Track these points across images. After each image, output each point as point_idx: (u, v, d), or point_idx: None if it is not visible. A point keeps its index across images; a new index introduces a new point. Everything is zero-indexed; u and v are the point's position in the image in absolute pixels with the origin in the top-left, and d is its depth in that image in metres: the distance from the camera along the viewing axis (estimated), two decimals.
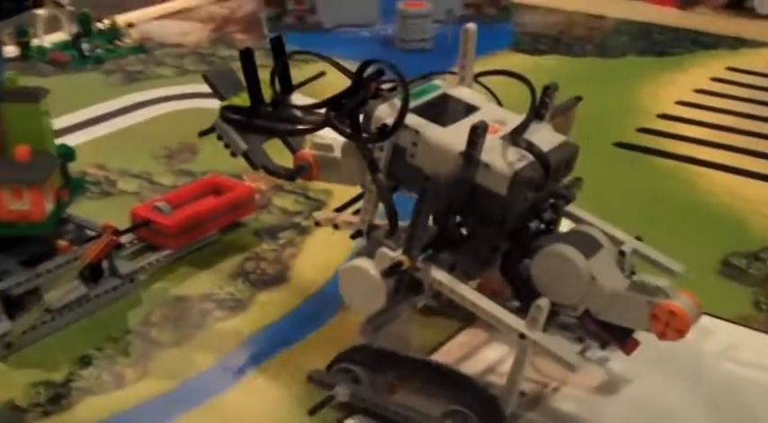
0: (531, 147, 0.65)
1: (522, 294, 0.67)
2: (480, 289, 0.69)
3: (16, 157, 0.78)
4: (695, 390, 0.75)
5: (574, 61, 1.50)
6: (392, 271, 0.64)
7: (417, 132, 0.67)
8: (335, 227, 0.80)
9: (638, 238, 0.71)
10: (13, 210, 0.78)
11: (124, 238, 0.89)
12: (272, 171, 0.78)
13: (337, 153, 0.76)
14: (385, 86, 0.73)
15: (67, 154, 0.85)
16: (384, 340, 0.70)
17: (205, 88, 1.38)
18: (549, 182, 0.66)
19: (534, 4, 1.82)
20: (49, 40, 1.57)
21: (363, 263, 0.65)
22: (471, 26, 0.73)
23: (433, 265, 0.66)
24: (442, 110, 0.71)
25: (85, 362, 0.78)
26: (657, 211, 1.03)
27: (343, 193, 1.03)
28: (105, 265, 0.85)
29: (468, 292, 0.66)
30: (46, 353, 0.79)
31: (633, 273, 0.68)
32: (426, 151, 0.67)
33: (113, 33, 1.58)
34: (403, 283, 0.65)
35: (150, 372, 0.77)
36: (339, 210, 0.82)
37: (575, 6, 1.81)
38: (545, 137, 0.68)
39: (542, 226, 0.68)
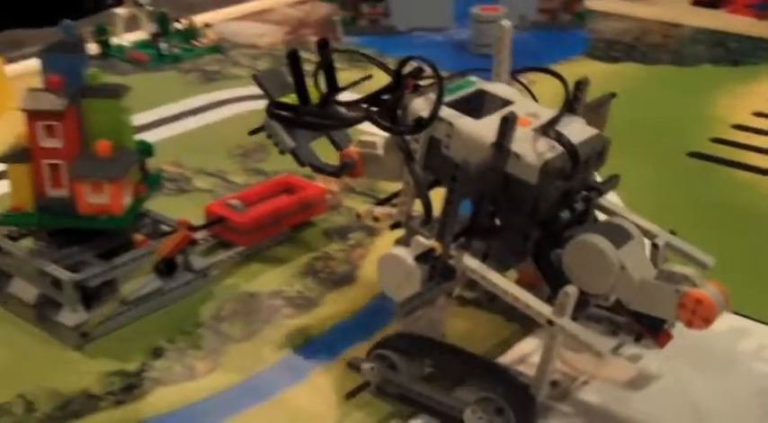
0: (560, 137, 0.68)
1: (553, 283, 0.69)
2: (518, 282, 0.71)
3: (97, 152, 0.80)
4: (727, 389, 0.75)
5: (648, 69, 1.49)
6: (425, 257, 0.66)
7: (451, 124, 0.70)
8: (375, 219, 0.83)
9: (672, 232, 0.73)
10: (93, 203, 0.80)
11: (198, 235, 0.91)
12: (318, 167, 0.80)
13: (381, 150, 0.78)
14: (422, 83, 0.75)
15: (146, 150, 0.87)
16: (419, 327, 0.73)
17: None
18: (577, 172, 0.68)
19: (609, 11, 1.81)
20: (128, 38, 1.61)
21: (399, 250, 0.68)
22: (506, 23, 0.76)
23: (466, 252, 0.68)
24: (477, 104, 0.73)
25: (158, 353, 0.80)
26: (730, 221, 1.02)
27: None
28: (180, 259, 0.87)
29: (498, 279, 0.68)
30: (120, 343, 0.81)
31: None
32: (460, 142, 0.70)
33: (191, 33, 1.61)
34: (436, 269, 0.67)
35: (220, 365, 0.78)
36: (381, 203, 0.84)
37: (650, 14, 1.79)
38: (576, 129, 0.70)
39: (574, 217, 0.70)
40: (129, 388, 0.76)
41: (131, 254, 0.84)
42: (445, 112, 0.70)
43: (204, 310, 0.86)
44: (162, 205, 0.94)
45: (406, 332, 0.73)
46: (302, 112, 0.77)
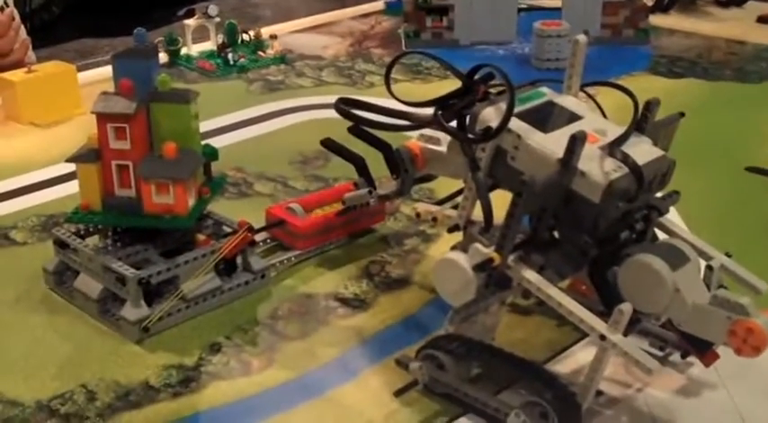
0: (626, 158, 0.68)
1: (607, 300, 0.69)
2: (570, 288, 0.72)
3: (164, 154, 0.83)
4: None
5: (710, 85, 1.48)
6: (483, 266, 0.67)
7: (519, 136, 0.70)
8: (434, 220, 0.84)
9: (728, 255, 0.73)
10: (158, 203, 0.83)
11: (258, 237, 0.93)
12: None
13: (444, 147, 0.79)
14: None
15: (212, 154, 0.90)
16: (470, 330, 0.74)
17: None
18: (641, 194, 0.68)
19: (673, 28, 1.80)
20: (196, 49, 1.65)
21: (457, 256, 0.69)
22: (582, 37, 0.76)
23: (524, 264, 0.69)
24: (546, 117, 0.74)
25: (215, 349, 0.82)
26: None
27: None
28: (239, 260, 0.90)
29: (554, 292, 0.68)
30: (179, 338, 0.84)
31: (722, 286, 0.69)
32: (526, 155, 0.70)
33: (257, 44, 1.65)
34: (492, 278, 0.68)
35: (275, 362, 0.80)
36: (439, 203, 0.86)
37: (715, 31, 1.78)
38: (642, 150, 0.70)
39: (633, 235, 0.70)
40: (187, 381, 0.78)
41: (193, 253, 0.86)
42: (514, 123, 0.71)
43: (261, 309, 0.88)
44: (224, 208, 0.97)
45: (457, 334, 0.74)
46: (369, 109, 0.78)
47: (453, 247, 0.73)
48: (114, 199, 0.85)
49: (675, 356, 0.78)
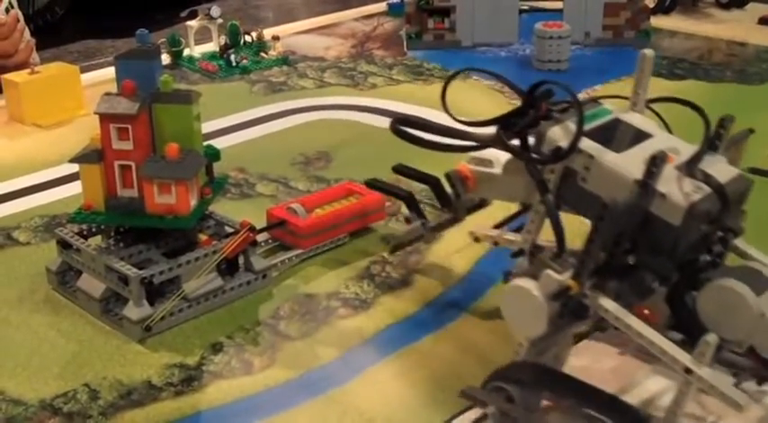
0: (708, 179, 0.65)
1: (686, 326, 0.66)
2: (633, 314, 0.67)
3: (166, 155, 0.83)
4: None
5: (712, 87, 1.49)
6: (560, 295, 0.63)
7: (591, 157, 0.67)
8: (495, 244, 0.82)
9: None
10: (161, 203, 0.83)
11: (259, 237, 0.94)
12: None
13: (497, 169, 0.77)
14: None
15: (214, 154, 0.90)
16: (539, 359, 0.69)
17: (343, 100, 1.45)
18: (725, 215, 0.65)
19: (674, 29, 1.81)
20: (198, 50, 1.66)
21: (528, 284, 0.65)
22: (649, 52, 0.73)
23: (601, 292, 0.65)
24: (614, 135, 0.70)
25: (217, 348, 0.83)
26: None
27: None
28: (241, 260, 0.90)
29: (634, 322, 0.64)
30: (181, 338, 0.84)
31: None
32: (600, 176, 0.67)
33: (260, 45, 1.65)
34: (568, 307, 0.64)
35: (276, 361, 0.81)
36: (498, 226, 0.83)
37: (716, 32, 1.79)
38: (720, 169, 0.67)
39: (711, 259, 0.67)
40: (189, 380, 0.79)
41: (195, 253, 0.86)
42: (585, 143, 0.67)
43: (263, 309, 0.89)
44: (226, 208, 0.97)
45: (524, 363, 0.69)
46: (426, 129, 0.75)
47: (515, 274, 0.68)
48: (117, 199, 0.85)
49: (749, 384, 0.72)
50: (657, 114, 0.76)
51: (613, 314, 0.65)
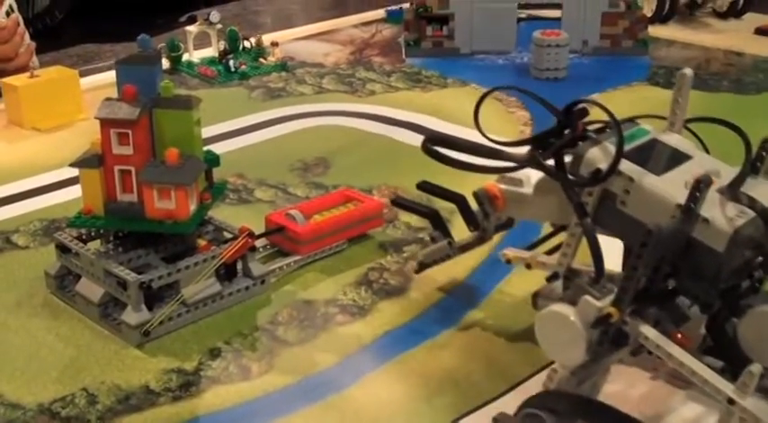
0: (753, 203, 0.63)
1: (726, 354, 0.65)
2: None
3: (166, 160, 0.83)
4: None
5: (708, 96, 1.49)
6: (600, 322, 0.62)
7: (632, 180, 0.66)
8: (528, 266, 0.80)
9: None
10: (160, 208, 0.84)
11: (258, 243, 0.94)
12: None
13: (527, 188, 0.76)
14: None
15: (213, 160, 0.90)
16: (575, 387, 0.68)
17: (341, 107, 1.45)
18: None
19: (671, 39, 1.81)
20: (197, 55, 1.66)
21: (566, 310, 0.64)
22: (688, 71, 0.71)
23: (641, 319, 0.64)
24: (653, 156, 0.69)
25: (215, 354, 0.83)
26: None
27: None
28: (239, 266, 0.91)
29: (675, 351, 0.63)
30: (179, 343, 0.85)
31: None
32: (640, 200, 0.66)
33: (258, 51, 1.66)
34: (609, 335, 0.64)
35: (275, 367, 0.81)
36: (531, 248, 0.83)
37: (713, 42, 1.79)
38: (763, 192, 0.65)
39: (753, 284, 0.66)
40: (187, 385, 0.79)
41: (194, 258, 0.87)
42: (625, 165, 0.66)
43: (261, 314, 0.89)
44: (224, 214, 0.98)
45: (558, 390, 0.67)
46: (458, 148, 0.74)
47: (539, 294, 0.69)
48: (116, 204, 0.85)
49: None
50: (695, 135, 0.75)
51: (654, 342, 0.64)
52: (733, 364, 0.63)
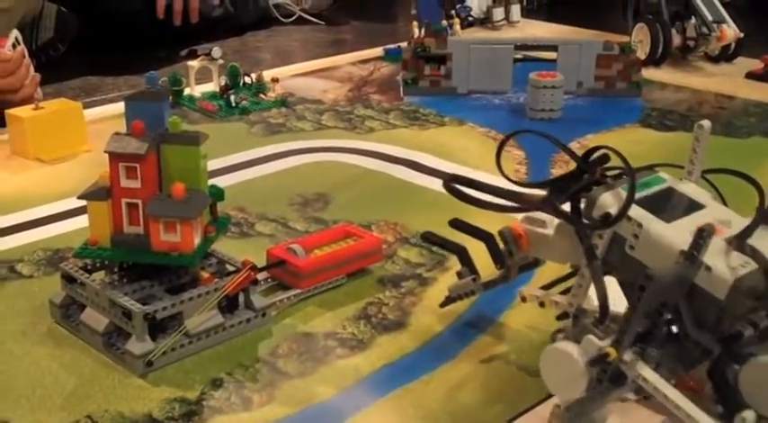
0: (755, 254, 0.65)
1: (726, 401, 0.67)
2: (678, 383, 0.69)
3: (173, 194, 0.86)
4: None
5: None
6: (598, 361, 0.65)
7: (640, 225, 0.68)
8: (542, 305, 0.83)
9: None
10: (166, 241, 0.86)
11: (259, 276, 0.96)
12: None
13: (549, 229, 0.78)
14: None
15: (218, 194, 0.92)
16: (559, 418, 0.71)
17: (340, 143, 1.48)
18: None
19: (664, 81, 1.85)
20: (199, 89, 1.69)
21: (569, 347, 0.67)
22: (706, 123, 0.74)
23: (641, 360, 0.66)
24: (666, 204, 0.71)
25: (217, 384, 0.85)
26: None
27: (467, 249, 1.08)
28: (241, 298, 0.92)
29: (673, 394, 0.65)
30: (182, 373, 0.86)
31: None
32: (647, 245, 0.68)
33: (259, 87, 1.68)
34: (607, 374, 0.66)
35: (275, 398, 0.83)
36: (546, 287, 0.85)
37: (705, 86, 1.83)
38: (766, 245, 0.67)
39: (756, 333, 0.66)
40: (190, 414, 0.80)
41: (197, 290, 0.89)
42: (635, 210, 0.68)
43: (262, 346, 0.91)
44: (225, 247, 0.99)
45: None
46: (481, 189, 0.75)
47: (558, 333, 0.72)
48: (123, 236, 0.88)
49: None
50: (713, 185, 0.77)
51: (653, 384, 0.65)
52: (732, 412, 0.64)
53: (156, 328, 0.87)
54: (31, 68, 1.56)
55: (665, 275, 0.64)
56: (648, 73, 1.83)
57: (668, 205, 0.71)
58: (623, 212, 0.68)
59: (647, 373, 0.66)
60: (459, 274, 0.91)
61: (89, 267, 0.93)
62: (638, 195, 0.69)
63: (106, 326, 0.89)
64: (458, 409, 0.81)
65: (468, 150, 1.41)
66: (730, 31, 1.87)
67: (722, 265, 0.64)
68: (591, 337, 0.66)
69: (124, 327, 0.87)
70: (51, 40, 1.91)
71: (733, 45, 1.92)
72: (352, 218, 1.16)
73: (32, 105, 1.40)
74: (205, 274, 0.93)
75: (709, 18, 1.88)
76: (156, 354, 0.86)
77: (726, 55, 1.95)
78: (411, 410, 0.81)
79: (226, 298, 0.90)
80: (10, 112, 1.40)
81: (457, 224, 0.90)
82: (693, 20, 1.91)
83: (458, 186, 0.75)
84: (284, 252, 1.00)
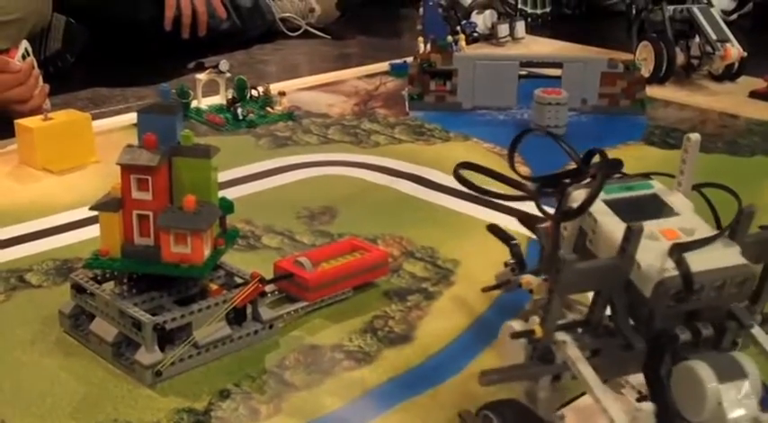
0: (679, 261, 0.66)
1: (655, 398, 0.68)
2: None
3: (183, 206, 0.87)
4: None
5: (702, 157, 1.52)
6: (521, 334, 0.69)
7: (596, 221, 0.71)
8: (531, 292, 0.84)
9: None
10: (176, 252, 0.87)
11: (266, 288, 0.97)
12: None
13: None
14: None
15: (228, 207, 0.94)
16: (528, 401, 0.74)
17: (346, 157, 1.49)
18: (691, 298, 0.67)
19: (668, 99, 1.86)
20: (206, 102, 1.70)
21: (514, 323, 0.71)
22: (694, 136, 0.75)
23: (573, 343, 0.69)
24: (640, 208, 0.73)
25: (225, 395, 0.85)
26: None
27: (472, 264, 1.10)
28: (249, 310, 0.93)
29: (588, 374, 0.67)
30: (190, 384, 0.87)
31: None
32: (600, 240, 0.71)
33: (266, 100, 1.70)
34: (537, 351, 0.69)
35: (282, 409, 0.84)
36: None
37: (709, 104, 1.84)
38: (718, 255, 0.68)
39: (696, 339, 0.68)
40: None
41: (206, 302, 0.90)
42: (599, 207, 0.71)
43: (269, 358, 0.92)
44: (232, 259, 1.00)
45: (511, 401, 0.74)
46: (490, 175, 0.78)
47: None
48: (133, 247, 0.89)
49: None
50: (705, 197, 0.77)
51: (576, 366, 0.68)
52: (660, 410, 0.66)
53: (165, 338, 0.88)
54: (41, 79, 1.57)
55: (575, 261, 0.66)
56: (652, 91, 1.85)
57: (639, 208, 0.73)
58: (583, 207, 0.70)
59: (574, 353, 0.68)
60: (506, 264, 0.93)
61: (99, 278, 0.94)
62: (616, 196, 0.72)
63: (115, 336, 0.90)
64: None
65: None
66: (734, 51, 1.88)
67: (653, 264, 0.67)
68: (535, 317, 0.70)
69: (133, 337, 0.88)
70: (60, 51, 1.93)
71: (736, 64, 1.93)
72: (358, 231, 1.17)
73: (41, 116, 1.41)
74: (214, 286, 0.94)
75: (713, 37, 1.89)
76: (165, 364, 0.86)
77: (729, 74, 1.96)
78: (416, 421, 0.82)
79: (234, 310, 0.91)
80: (19, 122, 1.41)
81: (492, 229, 0.96)
82: (697, 39, 1.93)
83: (462, 175, 0.78)
84: (292, 265, 1.01)
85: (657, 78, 1.91)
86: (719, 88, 1.95)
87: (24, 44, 1.59)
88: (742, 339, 0.71)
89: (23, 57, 1.54)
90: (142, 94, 1.83)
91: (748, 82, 1.94)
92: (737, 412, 0.64)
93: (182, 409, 0.83)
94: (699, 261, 0.67)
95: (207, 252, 0.88)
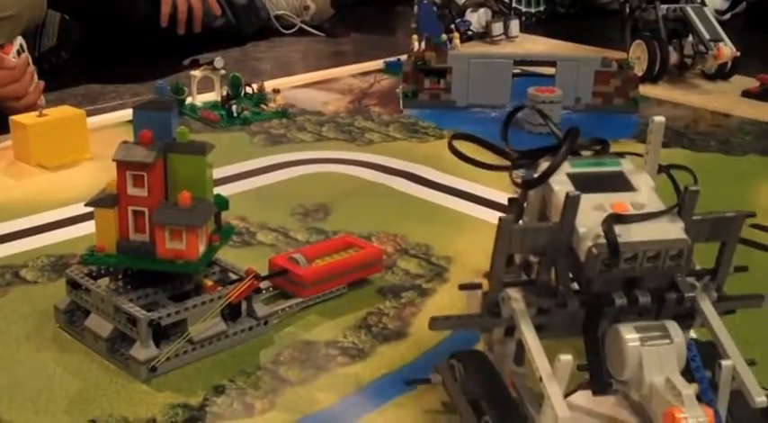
0: (608, 230, 0.69)
1: (589, 358, 0.71)
2: None
3: (179, 202, 0.87)
4: None
5: (695, 156, 1.54)
6: (468, 286, 0.78)
7: (552, 190, 0.73)
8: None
9: (752, 362, 0.72)
10: (171, 248, 0.87)
11: (261, 284, 0.97)
12: None
13: None
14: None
15: (223, 203, 0.94)
16: (493, 356, 0.80)
17: (341, 154, 1.49)
18: (617, 266, 0.69)
19: (661, 98, 1.87)
20: (200, 99, 1.70)
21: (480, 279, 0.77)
22: (659, 118, 0.78)
23: (520, 300, 0.72)
24: (602, 182, 0.75)
25: (219, 390, 0.86)
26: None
27: (466, 261, 1.10)
28: (243, 306, 0.94)
29: (526, 328, 0.71)
30: (185, 379, 0.88)
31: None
32: (552, 207, 0.74)
33: (260, 97, 1.70)
34: (486, 304, 0.74)
35: (276, 405, 0.84)
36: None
37: (701, 103, 1.85)
38: (655, 228, 0.70)
39: (633, 306, 0.70)
40: (192, 420, 0.82)
41: (201, 298, 0.90)
42: (559, 178, 0.73)
43: (264, 354, 0.92)
44: (227, 256, 1.00)
45: (480, 352, 0.81)
46: (485, 146, 0.81)
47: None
48: (129, 243, 0.89)
49: None
50: (672, 178, 0.78)
51: (517, 320, 0.72)
52: (593, 367, 0.70)
53: (160, 334, 0.88)
54: (35, 76, 1.57)
55: (511, 221, 0.71)
56: (646, 90, 1.85)
57: (599, 182, 0.74)
58: (542, 177, 0.73)
59: (517, 307, 0.72)
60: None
61: (94, 274, 0.94)
62: (581, 170, 0.74)
63: (110, 332, 0.90)
64: (456, 418, 0.82)
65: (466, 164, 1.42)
66: (727, 50, 1.89)
67: (590, 231, 0.69)
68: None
69: (129, 333, 0.88)
70: (54, 47, 1.93)
71: (729, 63, 1.94)
72: (353, 228, 1.17)
73: (36, 112, 1.41)
74: (209, 282, 0.94)
75: (707, 36, 1.90)
76: (160, 360, 0.87)
77: (722, 73, 1.97)
78: (410, 419, 0.82)
79: (229, 306, 0.92)
80: (14, 118, 1.41)
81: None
82: (690, 38, 1.93)
83: (455, 146, 0.80)
84: (286, 261, 1.01)
85: (651, 77, 1.91)
86: (712, 87, 1.96)
87: (19, 40, 1.59)
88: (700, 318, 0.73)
89: (18, 53, 1.55)
90: (136, 90, 1.83)
91: (741, 81, 1.95)
92: (655, 375, 0.68)
93: (176, 405, 0.84)
94: (637, 232, 0.70)
95: (202, 248, 0.89)
